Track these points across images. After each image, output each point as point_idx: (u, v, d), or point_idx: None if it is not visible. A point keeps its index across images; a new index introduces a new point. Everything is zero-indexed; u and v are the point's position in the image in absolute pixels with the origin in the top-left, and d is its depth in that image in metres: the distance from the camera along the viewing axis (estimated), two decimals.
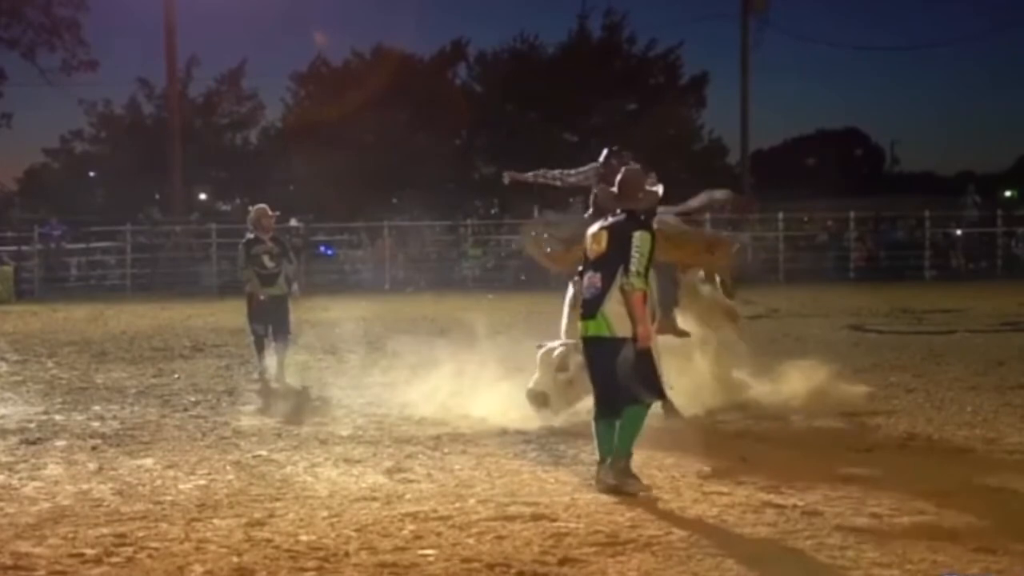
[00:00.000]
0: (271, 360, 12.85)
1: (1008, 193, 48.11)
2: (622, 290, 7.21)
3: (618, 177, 7.70)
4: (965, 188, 37.65)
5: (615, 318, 7.26)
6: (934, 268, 32.49)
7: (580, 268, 7.74)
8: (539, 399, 9.33)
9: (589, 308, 7.40)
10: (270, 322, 12.81)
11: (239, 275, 13.80)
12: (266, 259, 12.86)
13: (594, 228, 7.59)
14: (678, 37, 48.39)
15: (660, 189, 7.93)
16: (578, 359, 8.45)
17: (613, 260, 7.29)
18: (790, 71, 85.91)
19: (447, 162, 40.72)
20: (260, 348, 12.93)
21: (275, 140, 43.91)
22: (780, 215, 33.32)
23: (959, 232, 34.61)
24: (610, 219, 7.52)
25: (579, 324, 7.57)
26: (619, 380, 7.26)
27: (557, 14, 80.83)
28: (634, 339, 7.21)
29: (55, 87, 39.37)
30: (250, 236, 13.08)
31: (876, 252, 33.92)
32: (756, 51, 38.64)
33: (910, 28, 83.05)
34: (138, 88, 42.48)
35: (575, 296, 10.88)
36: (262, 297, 12.80)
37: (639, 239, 7.21)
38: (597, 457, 7.50)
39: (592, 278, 7.42)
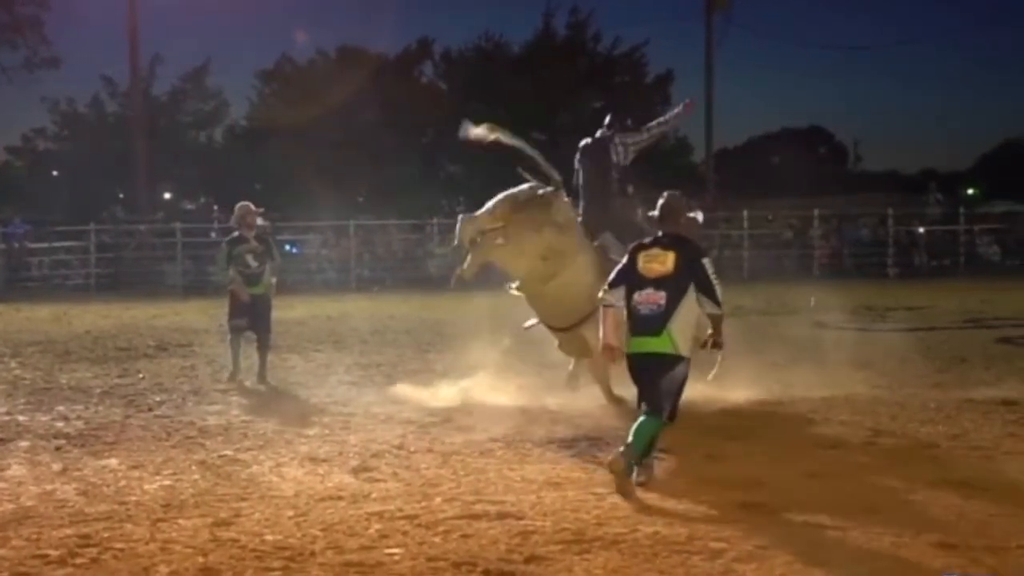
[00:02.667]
0: (243, 360, 12.77)
1: (970, 191, 48.46)
2: (712, 316, 7.55)
3: (660, 202, 7.82)
4: (928, 186, 37.95)
5: (681, 337, 7.41)
6: (897, 266, 32.73)
7: (614, 279, 7.71)
8: None
9: (650, 324, 7.43)
10: (251, 321, 12.68)
11: (220, 276, 13.44)
12: (250, 258, 12.65)
13: (650, 246, 7.61)
14: (643, 35, 48.61)
15: (700, 216, 8.02)
16: None
17: (681, 281, 7.43)
18: (754, 70, 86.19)
19: (413, 161, 40.63)
20: (236, 347, 12.77)
21: (240, 138, 43.71)
22: (745, 213, 33.50)
23: (922, 230, 34.87)
24: (666, 240, 7.60)
25: (632, 338, 7.54)
26: (660, 390, 7.39)
27: (523, 13, 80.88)
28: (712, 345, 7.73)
29: (17, 85, 39.16)
30: (234, 235, 12.92)
31: (840, 250, 34.14)
32: (720, 50, 38.90)
33: (874, 27, 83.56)
34: (102, 86, 42.29)
35: None
36: (246, 298, 12.64)
37: (710, 265, 7.50)
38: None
39: (652, 295, 7.44)
